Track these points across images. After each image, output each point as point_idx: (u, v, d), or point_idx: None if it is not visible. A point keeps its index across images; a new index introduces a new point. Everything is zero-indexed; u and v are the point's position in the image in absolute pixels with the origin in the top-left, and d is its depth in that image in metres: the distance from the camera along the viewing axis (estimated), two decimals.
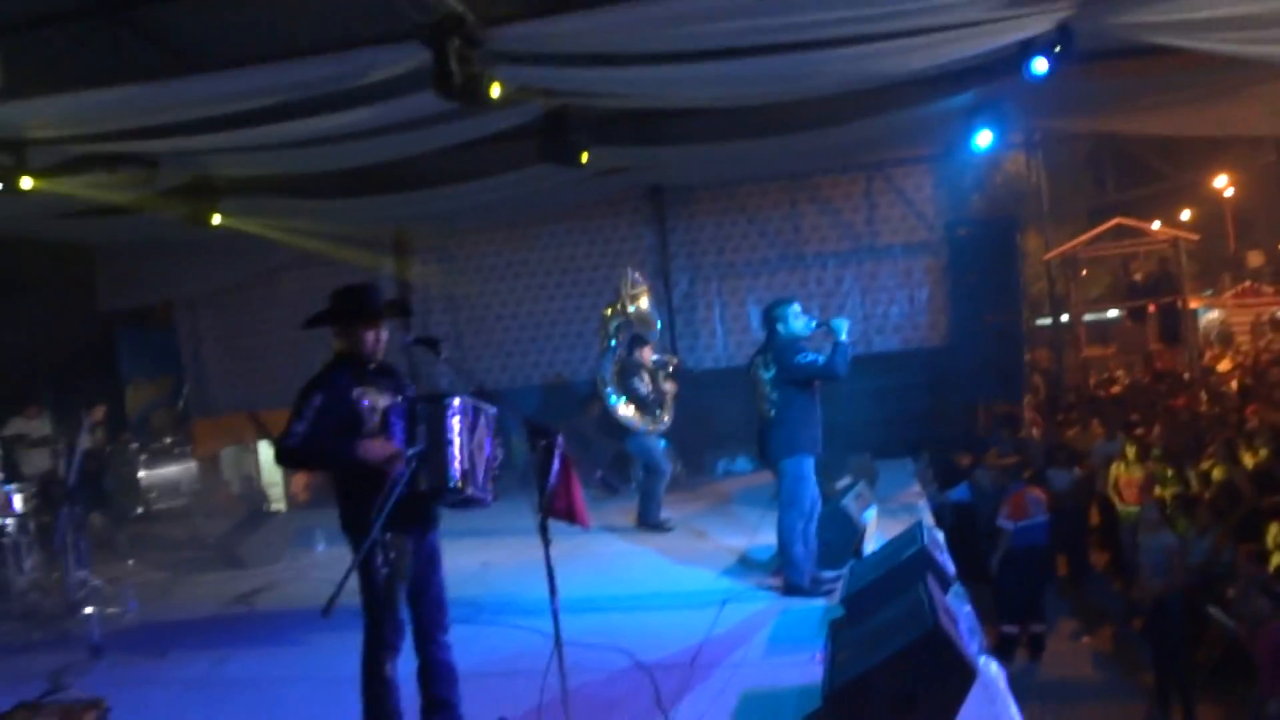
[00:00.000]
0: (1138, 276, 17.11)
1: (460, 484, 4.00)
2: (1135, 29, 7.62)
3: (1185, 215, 28.12)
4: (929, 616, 3.92)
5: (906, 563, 5.03)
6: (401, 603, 4.08)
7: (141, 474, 9.83)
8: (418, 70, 7.31)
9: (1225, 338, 20.07)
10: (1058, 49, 7.83)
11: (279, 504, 13.85)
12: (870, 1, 6.76)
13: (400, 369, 4.51)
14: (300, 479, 14.31)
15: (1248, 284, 23.32)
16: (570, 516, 4.26)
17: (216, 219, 10.53)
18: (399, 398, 4.22)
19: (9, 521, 7.62)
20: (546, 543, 3.94)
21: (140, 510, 9.76)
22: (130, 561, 9.09)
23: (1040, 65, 7.92)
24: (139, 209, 10.24)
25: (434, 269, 13.82)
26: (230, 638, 6.46)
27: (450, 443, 4.03)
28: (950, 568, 5.34)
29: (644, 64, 7.78)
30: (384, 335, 4.24)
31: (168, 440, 10.83)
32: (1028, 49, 7.97)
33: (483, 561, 7.73)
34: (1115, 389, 15.55)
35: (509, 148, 10.47)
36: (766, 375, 6.29)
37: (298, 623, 6.61)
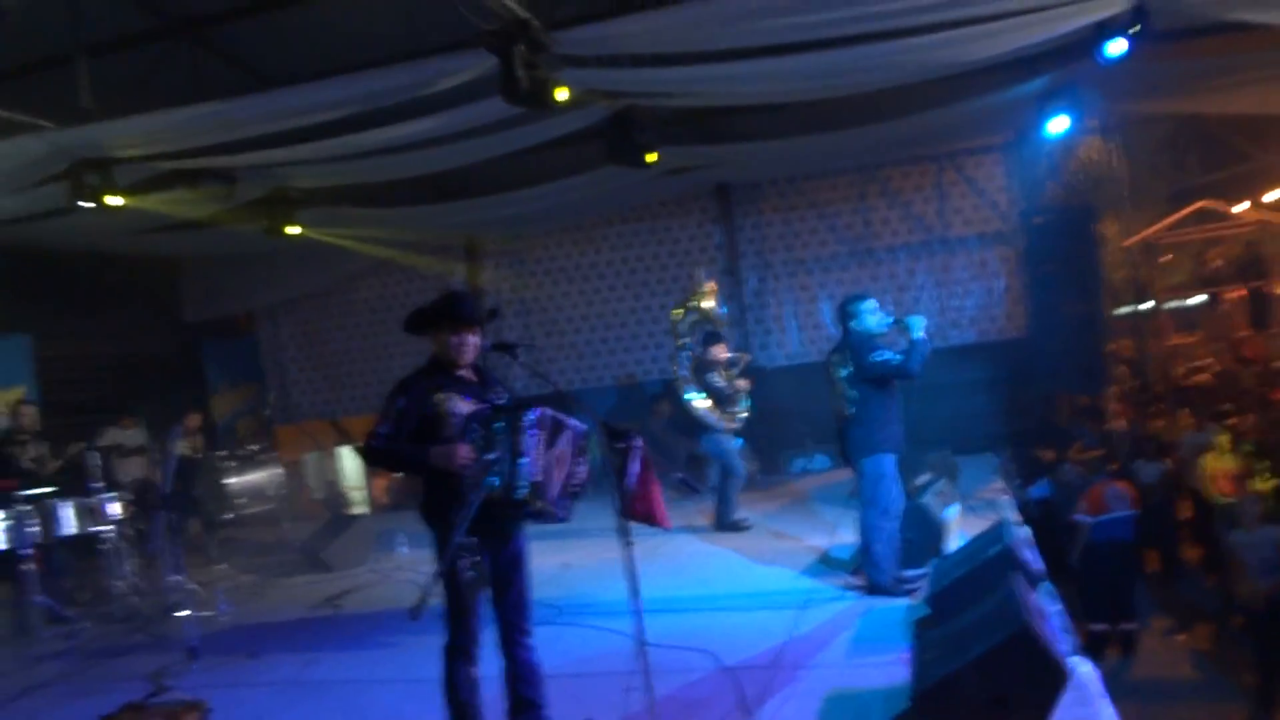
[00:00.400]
0: (1218, 263, 16.54)
1: (529, 496, 4.01)
2: (1212, 6, 7.41)
3: (1272, 196, 27.11)
4: (1018, 616, 3.84)
5: (992, 560, 4.94)
6: (481, 606, 4.13)
7: (230, 480, 10.08)
8: (485, 77, 7.40)
9: None
10: (1134, 30, 7.61)
11: (361, 507, 14.15)
12: None
13: (491, 371, 4.56)
14: (380, 483, 14.60)
15: None
16: (650, 519, 4.26)
17: (293, 230, 10.77)
18: (483, 404, 4.25)
19: (108, 528, 7.89)
20: (627, 544, 3.95)
21: (230, 516, 10.02)
22: (221, 565, 9.38)
23: (1116, 47, 7.69)
24: (219, 222, 10.54)
25: (505, 273, 13.98)
26: (318, 640, 6.61)
27: (523, 453, 4.05)
28: (1038, 565, 5.23)
29: (706, 62, 7.77)
30: (472, 340, 4.27)
31: (253, 447, 11.10)
32: (1102, 31, 7.76)
33: (563, 563, 7.79)
34: (1202, 377, 15.03)
35: (576, 150, 10.55)
36: (843, 373, 6.23)
37: (383, 624, 6.75)
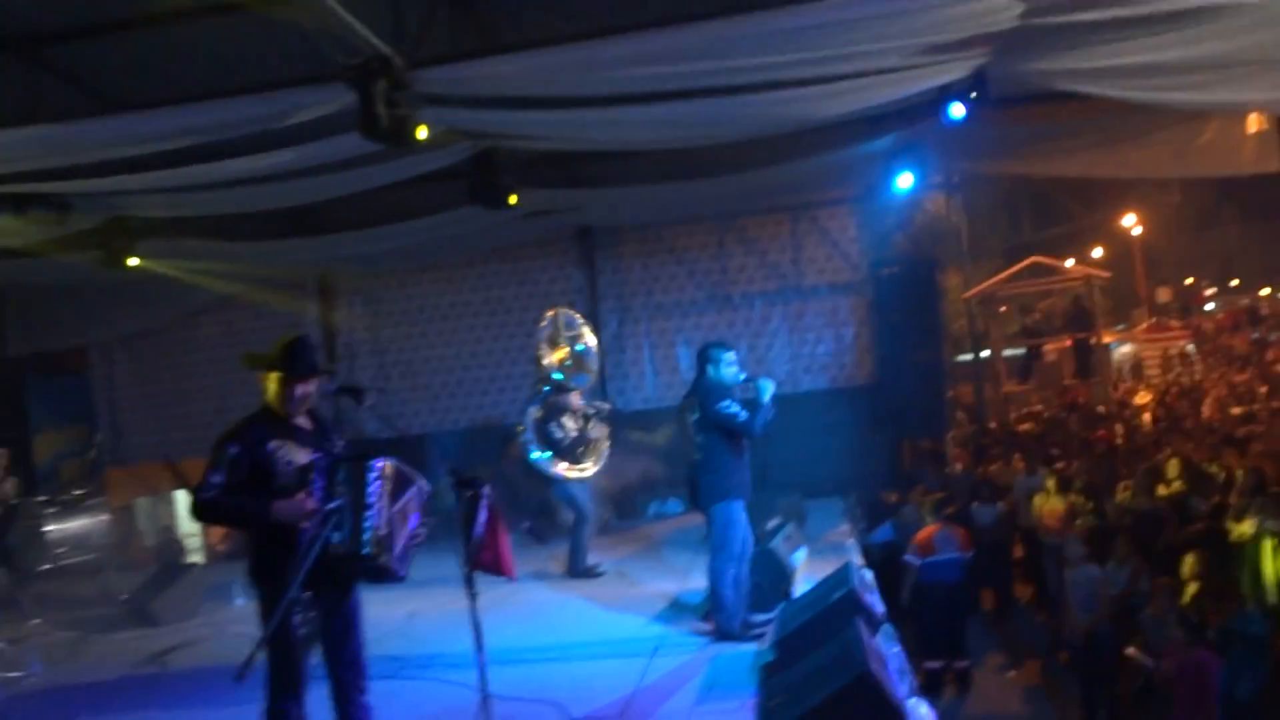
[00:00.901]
0: (1036, 316, 17.65)
1: (374, 551, 3.88)
2: (1047, 76, 7.90)
3: (1097, 253, 29.21)
4: (859, 661, 3.92)
5: (836, 605, 5.04)
6: (309, 666, 3.95)
7: (49, 528, 9.37)
8: (343, 112, 7.23)
9: (1137, 371, 20.75)
10: (974, 94, 8.08)
11: (196, 556, 13.41)
12: (794, 48, 6.88)
13: (328, 417, 4.40)
14: (218, 530, 13.90)
15: (1157, 319, 24.21)
16: (497, 568, 4.17)
17: (133, 261, 10.22)
18: (320, 453, 4.10)
19: None
20: (473, 595, 3.85)
21: (47, 566, 9.29)
22: (35, 621, 8.66)
23: (957, 110, 8.16)
24: (48, 252, 9.90)
25: (359, 312, 13.62)
26: (141, 701, 6.19)
27: (369, 505, 3.92)
28: (879, 608, 5.36)
29: (570, 107, 7.81)
30: (310, 390, 4.13)
31: (78, 492, 10.37)
32: (945, 94, 8.21)
33: (408, 613, 7.55)
34: (1030, 424, 15.89)
35: (436, 189, 10.40)
36: (693, 418, 6.28)
37: (214, 684, 6.33)
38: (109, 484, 12.96)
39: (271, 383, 4.14)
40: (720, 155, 10.52)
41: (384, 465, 4.02)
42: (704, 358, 6.41)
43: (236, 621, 7.94)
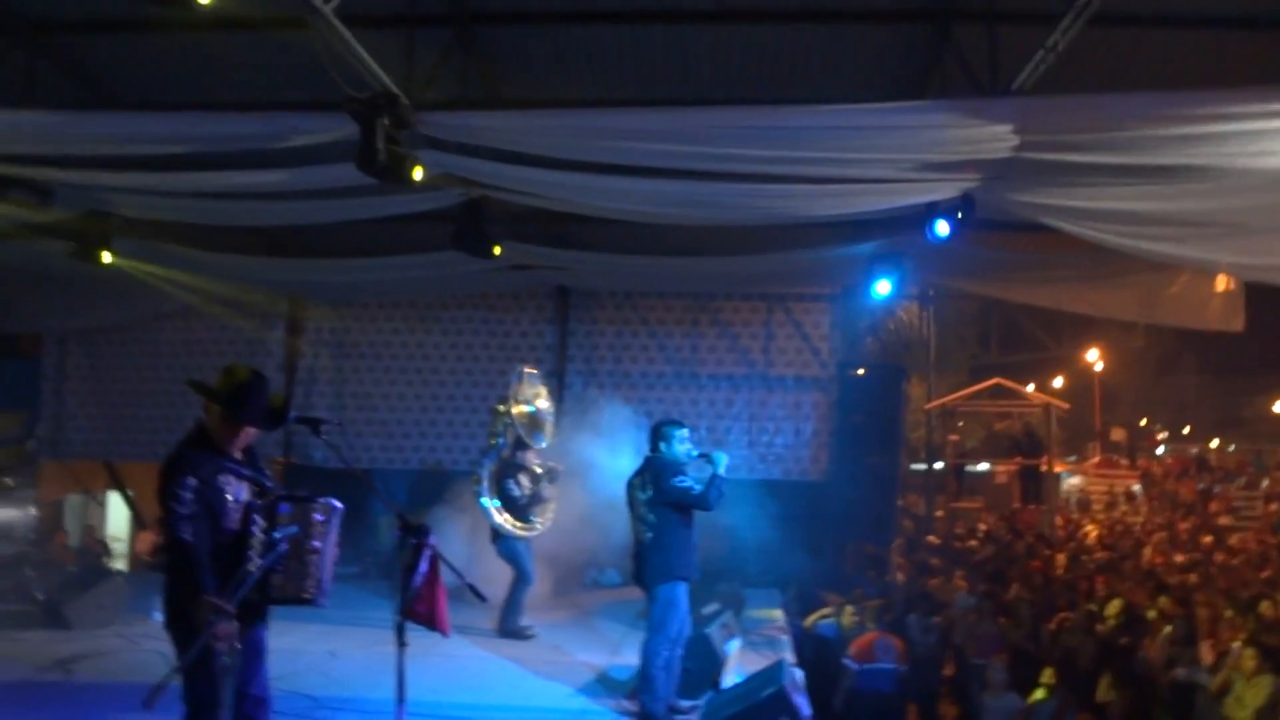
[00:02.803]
0: (974, 439, 17.94)
1: (313, 594, 3.84)
2: (1030, 208, 8.14)
3: (1057, 382, 29.76)
4: None
5: (764, 702, 5.00)
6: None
7: None
8: (341, 142, 7.28)
9: (1083, 505, 21.00)
10: (960, 215, 8.31)
11: (121, 563, 13.06)
12: (793, 146, 7.04)
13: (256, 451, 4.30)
14: (148, 537, 13.54)
15: (1108, 456, 24.60)
16: (431, 622, 4.09)
17: (106, 257, 10.10)
18: (256, 490, 4.03)
19: None
20: (402, 645, 3.77)
21: None
22: None
23: (943, 228, 8.39)
24: (23, 236, 9.78)
25: (325, 339, 13.53)
26: (40, 707, 5.96)
27: (314, 550, 3.87)
28: (806, 710, 5.31)
29: (567, 170, 7.90)
30: (254, 432, 4.08)
31: (8, 480, 10.07)
32: (933, 210, 8.44)
33: (330, 650, 7.36)
34: (973, 542, 15.96)
35: (420, 228, 10.45)
36: (644, 496, 6.23)
37: (119, 698, 6.14)
38: (41, 476, 12.64)
39: (217, 416, 4.05)
40: (706, 237, 10.68)
41: (325, 506, 3.98)
42: (657, 435, 6.40)
43: (153, 637, 7.70)
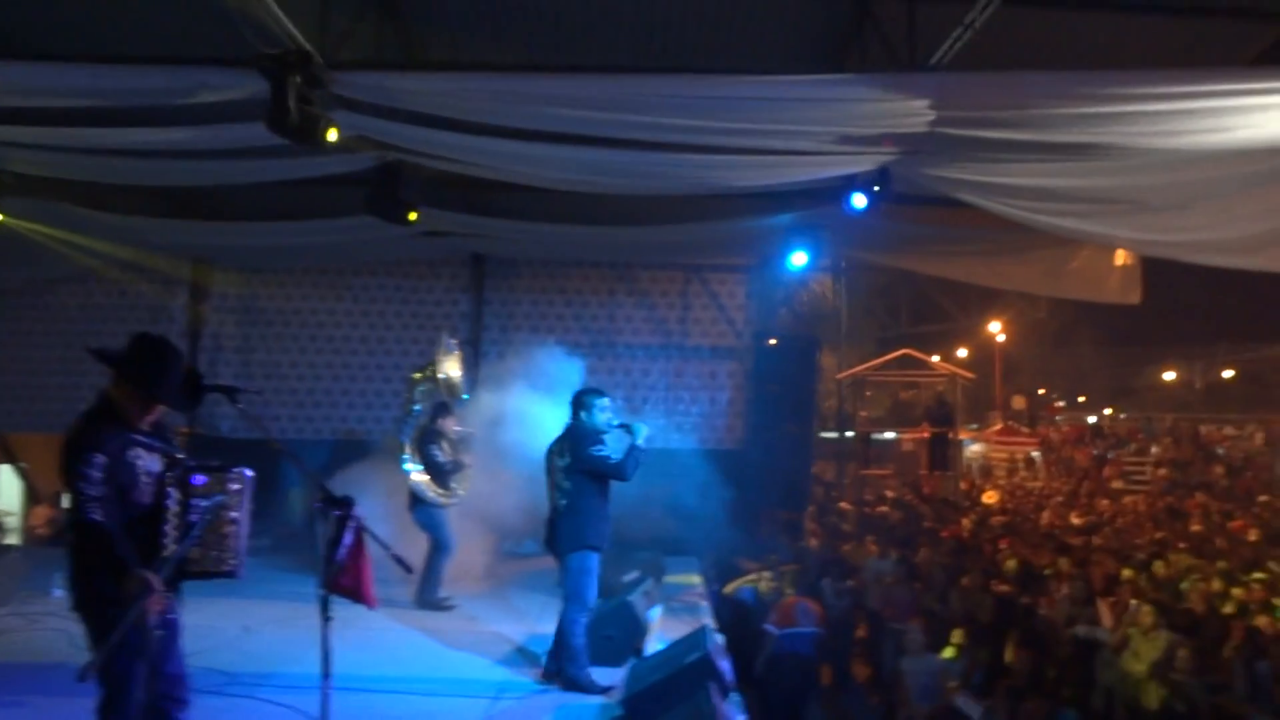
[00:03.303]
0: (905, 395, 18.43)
1: (234, 567, 3.73)
2: (945, 183, 8.31)
3: (961, 353, 30.63)
4: None
5: (690, 668, 5.04)
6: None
7: None
8: (251, 100, 7.02)
9: (985, 471, 21.72)
10: (876, 188, 8.44)
11: (13, 538, 12.53)
12: (718, 116, 7.05)
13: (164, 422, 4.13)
14: (42, 511, 13.02)
15: (1009, 424, 25.46)
16: (356, 595, 4.01)
17: None
18: (166, 461, 3.88)
19: None
20: (326, 619, 3.69)
21: None
22: None
23: (859, 200, 8.53)
24: None
25: (230, 306, 13.10)
26: None
27: (232, 521, 3.76)
28: (729, 675, 5.38)
29: (488, 135, 7.77)
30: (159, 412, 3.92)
31: None
32: (850, 184, 8.56)
33: (243, 626, 7.18)
34: (883, 508, 16.39)
35: (332, 192, 10.17)
36: (561, 463, 6.20)
37: (17, 678, 5.90)
38: None
39: (126, 387, 3.83)
40: (623, 206, 10.64)
41: (244, 477, 3.86)
42: (578, 403, 6.35)
43: (53, 614, 7.42)
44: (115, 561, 3.56)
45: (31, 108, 7.60)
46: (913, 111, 6.94)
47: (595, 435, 6.19)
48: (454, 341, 9.54)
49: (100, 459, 3.64)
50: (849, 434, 17.20)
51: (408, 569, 4.22)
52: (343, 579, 3.86)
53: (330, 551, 3.71)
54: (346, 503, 3.74)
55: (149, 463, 3.80)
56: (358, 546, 3.87)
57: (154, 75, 7.13)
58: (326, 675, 3.63)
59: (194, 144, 8.05)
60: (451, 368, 9.16)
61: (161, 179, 9.32)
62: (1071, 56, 7.95)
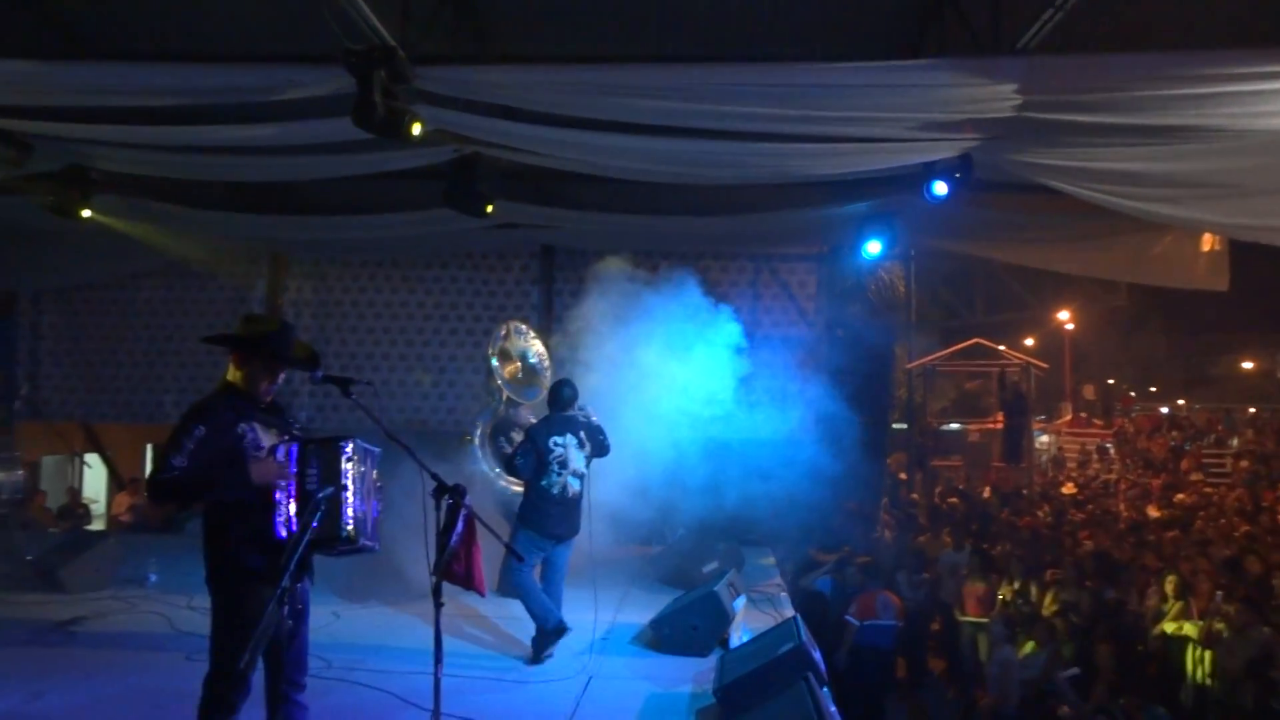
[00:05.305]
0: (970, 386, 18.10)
1: (353, 532, 3.80)
2: (1029, 168, 8.14)
3: (1028, 342, 30.06)
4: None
5: (784, 659, 5.01)
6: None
7: None
8: (336, 95, 7.12)
9: (1058, 463, 21.30)
10: (957, 175, 8.30)
11: (98, 523, 12.92)
12: (798, 104, 6.98)
13: (283, 404, 4.26)
14: (124, 499, 13.41)
15: (1081, 414, 24.94)
16: (468, 582, 4.05)
17: (86, 213, 9.87)
18: (285, 436, 3.99)
19: None
20: (439, 605, 3.73)
21: None
22: None
23: (940, 188, 8.39)
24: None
25: (308, 299, 13.33)
26: (47, 669, 5.86)
27: (345, 487, 3.83)
28: (823, 666, 5.34)
29: (567, 126, 7.80)
30: (282, 380, 4.02)
31: None
32: (930, 170, 8.42)
33: (333, 612, 7.31)
34: (953, 500, 16.17)
35: (409, 186, 10.29)
36: (583, 451, 6.63)
37: (124, 660, 6.09)
38: (17, 436, 12.42)
39: (243, 364, 3.97)
40: (696, 196, 10.60)
41: (352, 445, 3.95)
42: (574, 395, 6.82)
43: (149, 599, 7.66)
44: (220, 488, 3.75)
45: (120, 107, 7.80)
46: (999, 96, 6.80)
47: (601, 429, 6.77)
48: (527, 329, 9.60)
49: (200, 430, 3.75)
50: (921, 425, 16.96)
51: (519, 558, 4.26)
52: (455, 566, 3.91)
53: (443, 539, 3.75)
54: (458, 491, 3.78)
55: (263, 437, 3.89)
56: (469, 534, 3.92)
57: (241, 73, 7.25)
58: (438, 661, 3.68)
59: (279, 140, 8.21)
60: (529, 356, 9.22)
61: (245, 174, 9.51)
62: (1164, 36, 7.73)
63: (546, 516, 6.47)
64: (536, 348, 9.47)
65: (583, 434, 6.66)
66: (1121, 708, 7.17)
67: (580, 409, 6.80)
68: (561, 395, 6.78)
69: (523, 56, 8.74)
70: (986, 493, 16.44)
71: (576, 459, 6.58)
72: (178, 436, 3.75)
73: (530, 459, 6.51)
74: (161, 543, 9.77)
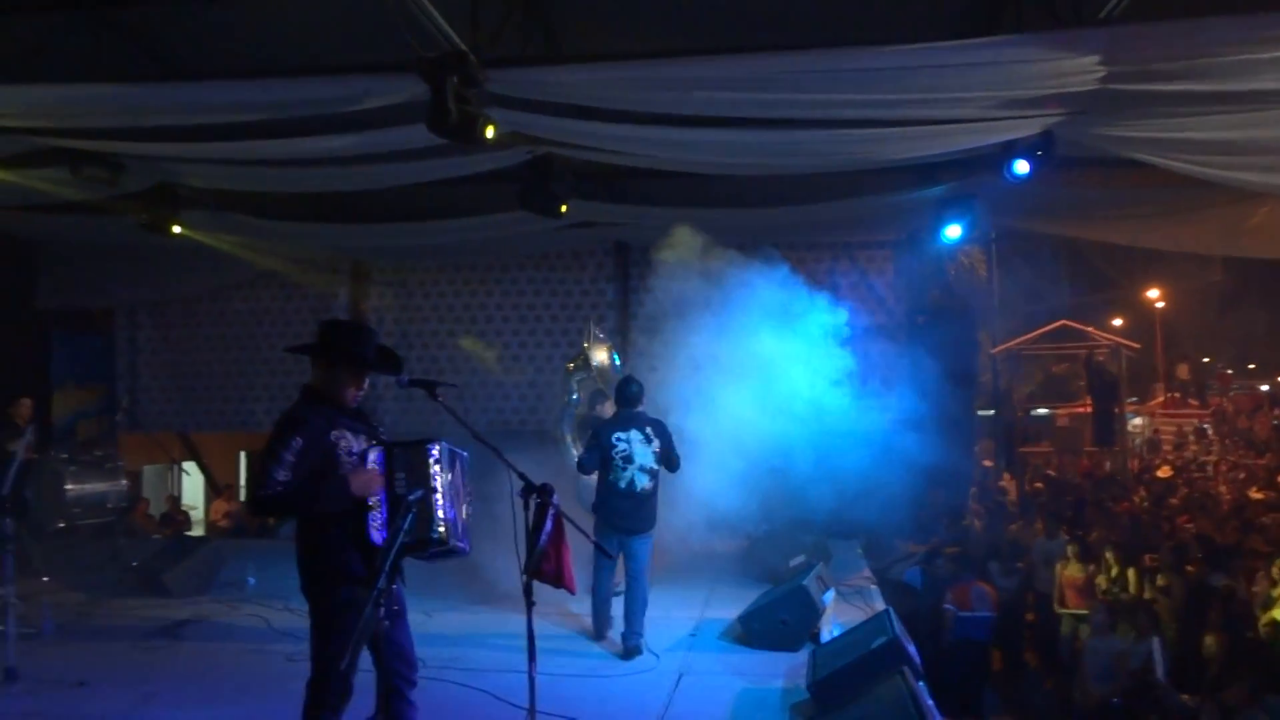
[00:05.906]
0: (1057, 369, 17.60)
1: (444, 534, 3.84)
2: (1115, 142, 7.89)
3: (1116, 322, 29.11)
4: (915, 715, 3.83)
5: (879, 652, 4.95)
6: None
7: (68, 486, 9.14)
8: (411, 103, 7.22)
9: (1154, 446, 20.61)
10: (1040, 152, 8.06)
11: (198, 529, 13.35)
12: (875, 89, 6.86)
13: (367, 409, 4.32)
14: (221, 506, 13.84)
15: (1175, 395, 24.09)
16: (557, 580, 4.08)
17: (176, 229, 10.21)
18: (372, 441, 4.05)
19: None
20: (530, 604, 3.76)
21: (60, 525, 9.11)
22: (45, 579, 8.51)
23: (1022, 167, 8.17)
24: (95, 209, 9.91)
25: (389, 304, 13.58)
26: (155, 672, 6.08)
27: (434, 490, 3.88)
28: (918, 659, 5.25)
29: (638, 123, 7.79)
30: (367, 384, 4.08)
31: (98, 453, 10.23)
32: (1010, 150, 8.19)
33: (424, 613, 7.41)
34: (1038, 485, 15.74)
35: (484, 189, 10.38)
36: (651, 448, 6.65)
37: (228, 662, 6.28)
38: (120, 448, 12.88)
39: (330, 369, 4.01)
40: (771, 187, 10.51)
41: (439, 448, 3.99)
42: (642, 393, 6.86)
43: (250, 602, 7.88)
44: (323, 502, 3.81)
45: (206, 125, 8.03)
46: (1082, 69, 6.59)
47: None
48: (599, 330, 9.64)
49: (298, 442, 3.79)
50: (1008, 411, 16.57)
51: (609, 555, 4.27)
52: (545, 565, 3.93)
53: (532, 539, 3.77)
54: (547, 490, 3.80)
55: (352, 443, 3.95)
56: (558, 533, 3.94)
57: (317, 86, 7.43)
58: (532, 659, 3.70)
59: (358, 149, 8.36)
60: (602, 356, 9.25)
61: (325, 185, 9.72)
62: None
63: (613, 511, 6.55)
64: (608, 350, 9.50)
65: (649, 429, 6.70)
66: (1233, 697, 6.90)
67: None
68: (626, 393, 6.83)
69: (593, 55, 8.77)
70: (1079, 478, 15.98)
71: (642, 454, 6.61)
72: (276, 450, 3.80)
73: (594, 455, 6.62)
74: (258, 546, 10.06)
